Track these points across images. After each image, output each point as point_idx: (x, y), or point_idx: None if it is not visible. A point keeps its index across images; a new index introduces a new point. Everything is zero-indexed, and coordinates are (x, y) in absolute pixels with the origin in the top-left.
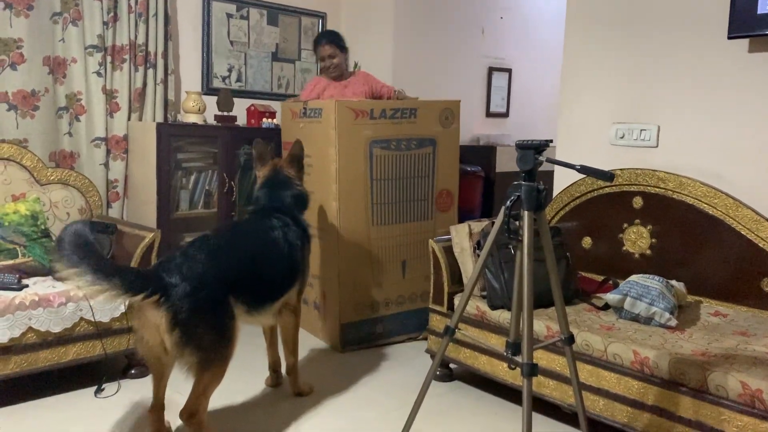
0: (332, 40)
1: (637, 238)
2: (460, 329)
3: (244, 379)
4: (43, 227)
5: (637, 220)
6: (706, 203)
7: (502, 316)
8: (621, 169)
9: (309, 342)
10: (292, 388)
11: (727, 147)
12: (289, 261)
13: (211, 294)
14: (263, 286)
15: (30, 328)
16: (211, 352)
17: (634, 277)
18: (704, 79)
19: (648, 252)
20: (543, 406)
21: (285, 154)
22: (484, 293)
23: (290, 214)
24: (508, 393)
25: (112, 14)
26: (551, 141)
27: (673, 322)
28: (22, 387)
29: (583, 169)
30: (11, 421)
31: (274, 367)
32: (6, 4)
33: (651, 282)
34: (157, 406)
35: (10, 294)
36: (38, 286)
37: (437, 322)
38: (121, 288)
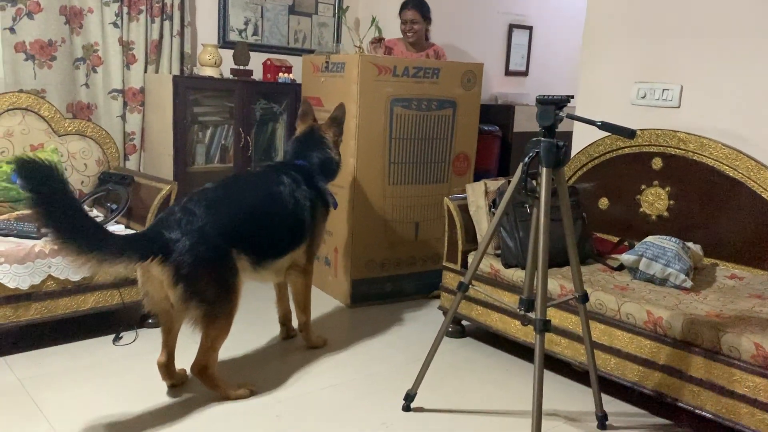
0: (417, 6)
1: (655, 200)
2: (473, 286)
3: (256, 331)
4: None
5: (656, 182)
6: (727, 165)
7: (516, 275)
8: (641, 130)
9: (318, 297)
10: (305, 343)
11: (752, 108)
12: (294, 218)
13: (212, 247)
14: (265, 240)
15: (50, 276)
16: (215, 306)
17: (650, 238)
18: (731, 38)
19: (665, 214)
20: (554, 363)
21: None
22: (499, 252)
23: (307, 175)
24: (520, 350)
25: None
26: (572, 96)
27: (688, 284)
28: (43, 333)
29: (604, 126)
30: (32, 367)
31: (284, 320)
32: None
33: (667, 243)
34: (166, 358)
35: (30, 242)
36: None
37: (450, 280)
38: (133, 258)
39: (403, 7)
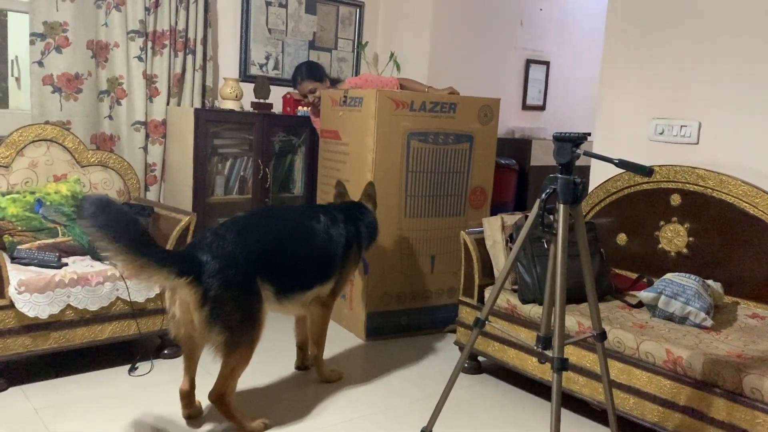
0: (309, 75)
1: (673, 236)
2: (490, 321)
3: (273, 362)
4: None
5: (675, 218)
6: (747, 202)
7: (533, 311)
8: (659, 166)
9: (333, 330)
10: (318, 377)
11: None
12: (325, 254)
13: (240, 272)
14: (292, 272)
15: (68, 306)
16: (238, 333)
17: (669, 276)
18: (749, 74)
19: (684, 251)
20: (572, 402)
21: (321, 149)
22: (516, 287)
23: (354, 223)
24: (537, 388)
25: (154, 0)
26: (589, 134)
27: (709, 323)
28: (60, 362)
29: (621, 163)
30: (48, 396)
31: (301, 345)
32: None
33: (687, 281)
34: (188, 385)
35: (50, 272)
36: (77, 265)
37: (467, 315)
38: (171, 272)
39: (295, 83)
